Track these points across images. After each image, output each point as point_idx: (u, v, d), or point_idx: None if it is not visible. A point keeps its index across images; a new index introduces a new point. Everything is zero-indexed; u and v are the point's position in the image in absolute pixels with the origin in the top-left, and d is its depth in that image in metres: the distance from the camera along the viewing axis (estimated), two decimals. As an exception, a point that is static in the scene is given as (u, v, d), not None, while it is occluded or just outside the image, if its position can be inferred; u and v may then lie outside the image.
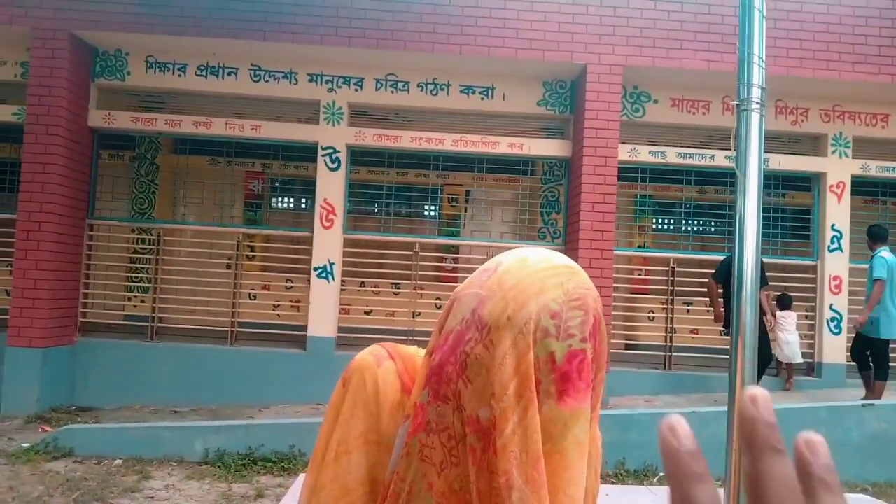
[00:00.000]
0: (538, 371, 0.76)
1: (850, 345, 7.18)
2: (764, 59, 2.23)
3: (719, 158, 7.53)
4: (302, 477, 4.74)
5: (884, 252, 6.79)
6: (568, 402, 0.75)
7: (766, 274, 6.84)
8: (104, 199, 8.03)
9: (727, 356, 6.98)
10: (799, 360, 7.40)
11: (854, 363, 7.07)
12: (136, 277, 8.14)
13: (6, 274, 7.19)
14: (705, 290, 7.17)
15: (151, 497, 4.75)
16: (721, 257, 7.26)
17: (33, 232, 6.81)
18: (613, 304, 7.25)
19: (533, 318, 0.77)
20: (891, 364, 6.86)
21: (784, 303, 7.55)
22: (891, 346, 6.85)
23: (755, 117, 2.21)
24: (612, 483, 5.53)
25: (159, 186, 8.57)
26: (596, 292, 0.82)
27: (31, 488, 4.71)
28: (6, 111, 7.25)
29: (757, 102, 2.20)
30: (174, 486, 4.99)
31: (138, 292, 8.09)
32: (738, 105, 2.24)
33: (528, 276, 0.80)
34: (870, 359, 6.86)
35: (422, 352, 0.94)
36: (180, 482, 5.10)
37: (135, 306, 8.01)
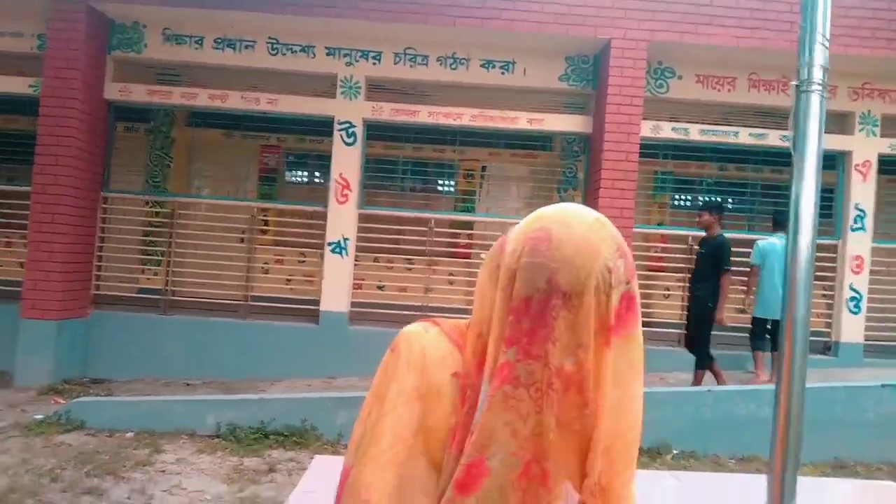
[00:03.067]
0: (610, 315, 0.92)
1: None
2: (828, 37, 2.13)
3: (743, 136, 7.40)
4: (318, 458, 4.73)
5: (773, 238, 6.92)
6: (621, 333, 0.93)
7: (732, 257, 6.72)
8: (119, 172, 7.97)
9: (742, 335, 6.97)
10: None
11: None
12: (150, 250, 8.10)
13: (21, 246, 7.15)
14: (727, 279, 6.90)
15: (163, 471, 4.74)
16: (739, 235, 7.15)
17: (48, 205, 6.76)
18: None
19: (598, 278, 0.93)
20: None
21: None
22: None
23: (815, 99, 2.11)
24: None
25: (174, 159, 8.48)
26: (617, 231, 0.98)
27: (44, 461, 4.70)
28: (22, 83, 7.16)
29: (818, 84, 2.10)
30: (186, 460, 4.98)
31: (152, 265, 8.06)
32: (797, 86, 2.14)
33: (581, 241, 0.95)
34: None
35: (463, 320, 1.07)
36: (192, 456, 5.08)
37: (148, 279, 7.99)
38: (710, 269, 6.59)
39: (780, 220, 7.08)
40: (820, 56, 2.13)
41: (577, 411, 0.91)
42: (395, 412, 0.97)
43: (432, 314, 7.30)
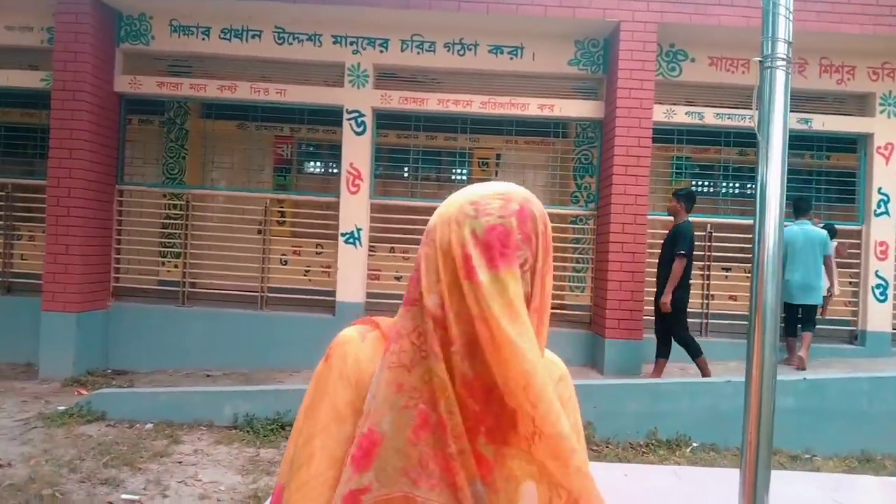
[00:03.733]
0: (467, 248, 0.90)
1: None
2: (791, 10, 2.03)
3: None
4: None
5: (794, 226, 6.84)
6: (497, 266, 0.89)
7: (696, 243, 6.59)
8: (135, 165, 8.08)
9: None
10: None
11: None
12: (168, 242, 8.19)
13: (41, 240, 7.29)
14: (744, 254, 6.82)
15: (179, 462, 4.79)
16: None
17: (63, 198, 6.87)
18: (648, 269, 7.06)
19: (456, 209, 0.93)
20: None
21: None
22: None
23: (780, 75, 2.02)
24: (644, 453, 5.42)
25: (189, 151, 8.56)
26: (540, 207, 0.98)
27: (64, 451, 4.80)
28: (34, 77, 7.29)
29: (783, 59, 2.01)
30: (203, 451, 5.04)
31: (171, 257, 8.15)
32: (760, 62, 2.05)
33: (467, 190, 0.98)
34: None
35: None
36: (209, 447, 5.15)
37: (168, 271, 8.08)
38: (670, 255, 6.47)
39: (803, 208, 6.99)
40: (783, 30, 2.03)
41: (447, 351, 0.88)
42: (326, 431, 0.94)
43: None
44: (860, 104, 7.40)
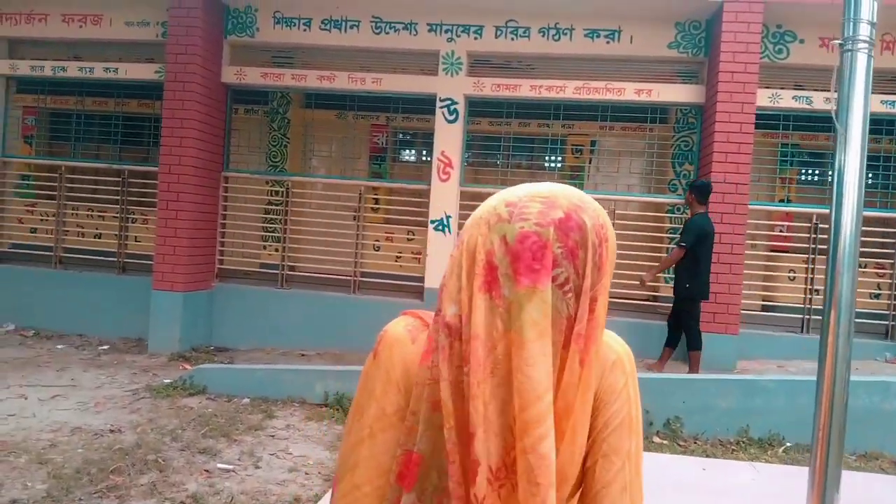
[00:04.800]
0: (493, 256, 0.80)
1: None
2: None
3: (875, 104, 6.72)
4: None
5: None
6: (522, 282, 0.78)
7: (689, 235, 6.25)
8: (240, 153, 8.42)
9: (875, 322, 6.38)
10: None
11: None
12: (270, 227, 8.50)
13: (153, 223, 7.74)
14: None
15: (272, 436, 4.98)
16: (871, 213, 6.53)
17: (173, 184, 7.27)
18: (747, 262, 6.77)
19: (489, 209, 0.84)
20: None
21: None
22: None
23: (861, 58, 1.89)
24: (733, 451, 5.23)
25: (290, 140, 8.86)
26: (595, 215, 0.84)
27: (168, 421, 5.09)
28: (149, 69, 7.73)
29: (864, 41, 1.87)
30: (294, 427, 5.22)
31: (271, 241, 8.46)
32: (841, 44, 1.92)
33: (510, 189, 0.87)
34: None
35: None
36: (300, 423, 5.32)
37: (269, 255, 8.39)
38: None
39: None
40: (867, 10, 1.90)
41: (459, 370, 0.81)
42: (372, 439, 0.90)
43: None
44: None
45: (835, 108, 1.94)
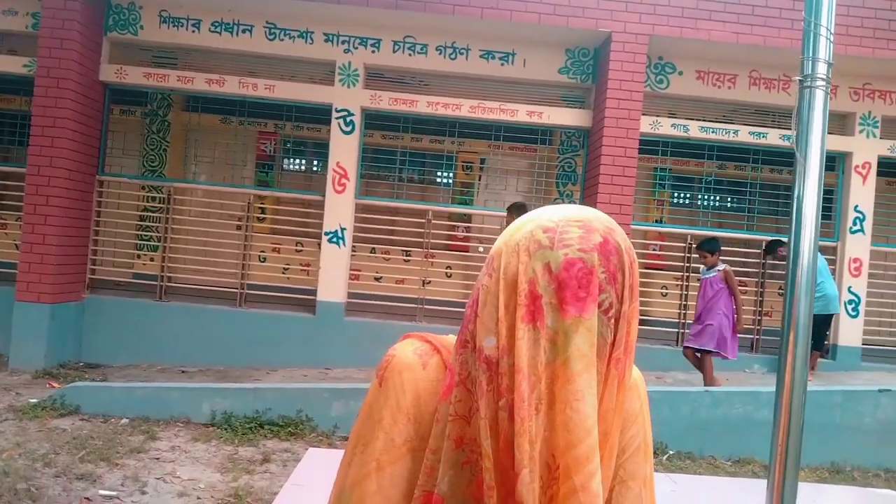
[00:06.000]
0: (536, 285, 0.76)
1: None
2: (832, 31, 2.07)
3: (743, 134, 7.36)
4: (311, 451, 4.71)
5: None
6: (568, 311, 0.75)
7: None
8: (115, 156, 7.95)
9: (742, 336, 6.91)
10: None
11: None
12: (146, 235, 8.08)
13: (17, 228, 7.14)
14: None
15: (157, 458, 4.72)
16: (737, 235, 7.07)
17: (42, 186, 6.73)
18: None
19: (525, 235, 0.80)
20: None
21: None
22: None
23: (819, 95, 2.06)
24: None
25: (171, 144, 8.46)
26: (624, 237, 0.82)
27: (38, 445, 4.69)
28: (16, 63, 7.13)
29: (822, 79, 2.05)
30: (180, 448, 4.97)
31: (148, 250, 8.04)
32: (801, 81, 2.09)
33: (537, 212, 0.84)
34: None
35: None
36: (186, 444, 5.08)
37: (144, 264, 7.99)
38: None
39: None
40: (824, 50, 2.07)
41: (495, 405, 0.77)
42: (380, 472, 0.84)
43: (429, 306, 7.31)
44: (841, 123, 7.58)
45: (794, 141, 2.09)
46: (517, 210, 6.46)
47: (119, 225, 7.82)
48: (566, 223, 0.80)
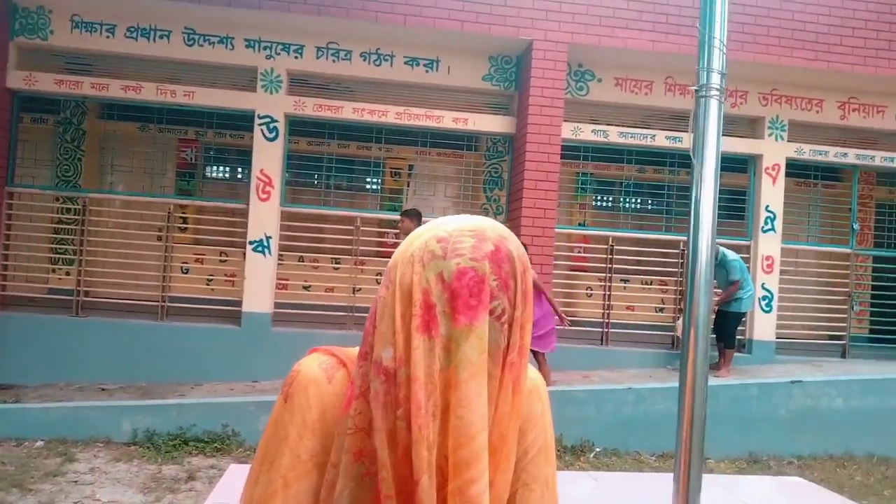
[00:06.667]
0: (431, 295, 0.78)
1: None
2: (725, 42, 2.17)
3: (660, 139, 7.62)
4: (234, 466, 4.60)
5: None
6: (459, 320, 0.77)
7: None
8: (26, 166, 7.61)
9: (662, 332, 7.16)
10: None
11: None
12: (61, 249, 7.75)
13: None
14: (641, 266, 7.19)
15: (75, 481, 4.59)
16: (656, 236, 7.33)
17: (-54, 199, 6.39)
18: (553, 280, 7.27)
19: (420, 246, 0.81)
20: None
21: None
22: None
23: (714, 104, 2.16)
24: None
25: (86, 153, 8.14)
26: (517, 245, 0.85)
27: (-57, 472, 4.47)
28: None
29: (717, 89, 2.15)
30: (100, 469, 4.86)
31: (63, 264, 7.71)
32: (696, 91, 2.18)
33: (433, 223, 0.85)
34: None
35: None
36: (107, 464, 4.96)
37: (59, 279, 7.68)
38: None
39: None
40: (718, 62, 2.17)
41: (392, 416, 0.78)
42: (286, 489, 0.84)
43: (359, 314, 7.25)
44: (751, 127, 7.95)
45: (691, 146, 2.17)
46: (414, 216, 6.59)
47: (32, 238, 7.48)
48: (459, 233, 0.82)
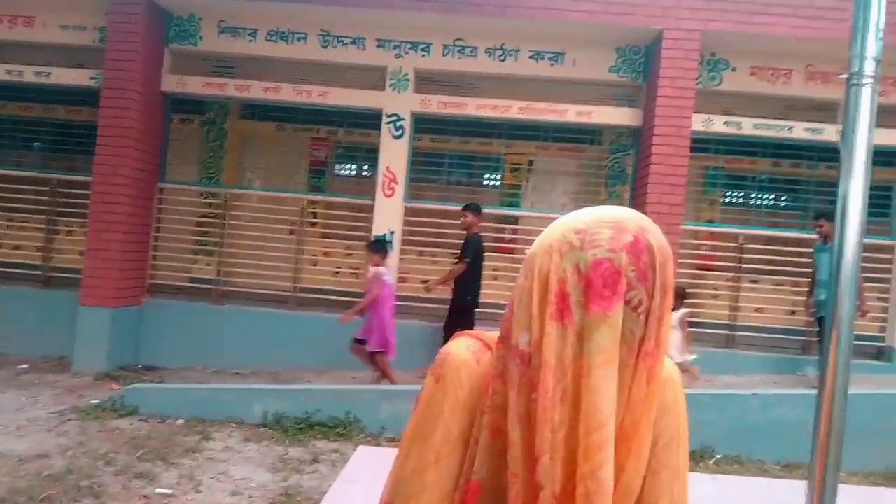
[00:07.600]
0: (566, 284, 0.81)
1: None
2: (882, 28, 2.05)
3: (798, 130, 7.20)
4: (362, 448, 4.75)
5: None
6: (592, 309, 0.79)
7: None
8: (174, 163, 8.16)
9: (794, 337, 6.75)
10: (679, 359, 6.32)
11: None
12: (203, 241, 8.26)
13: (81, 235, 7.38)
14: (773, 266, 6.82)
15: (211, 458, 4.80)
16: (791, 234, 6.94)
17: (107, 194, 6.96)
18: (678, 280, 7.04)
19: (558, 237, 0.84)
20: None
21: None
22: None
23: (867, 93, 2.03)
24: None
25: (227, 151, 8.66)
26: (659, 236, 0.85)
27: (99, 444, 4.83)
28: (84, 75, 7.41)
29: (870, 76, 2.02)
30: (233, 448, 5.06)
31: (204, 255, 8.23)
32: (847, 79, 2.06)
33: (572, 214, 0.88)
34: None
35: None
36: (239, 444, 5.16)
37: (201, 269, 8.15)
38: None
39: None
40: (872, 48, 2.05)
41: (526, 398, 0.82)
42: (439, 464, 0.89)
43: (480, 309, 7.29)
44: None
45: (840, 138, 2.06)
46: (475, 211, 6.77)
47: (178, 230, 8.01)
48: (598, 224, 0.84)
